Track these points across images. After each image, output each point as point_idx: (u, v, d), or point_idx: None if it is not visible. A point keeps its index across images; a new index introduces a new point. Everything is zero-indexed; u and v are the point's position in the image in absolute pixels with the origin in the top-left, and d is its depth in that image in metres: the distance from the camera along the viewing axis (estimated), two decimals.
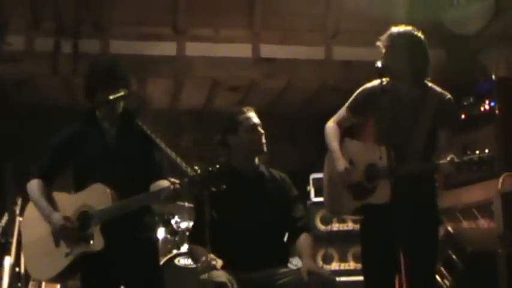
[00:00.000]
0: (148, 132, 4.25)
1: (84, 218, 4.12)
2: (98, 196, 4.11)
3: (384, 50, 4.45)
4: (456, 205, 6.90)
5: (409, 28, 4.51)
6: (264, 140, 4.65)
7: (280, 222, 4.61)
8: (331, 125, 4.71)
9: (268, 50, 8.29)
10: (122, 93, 4.17)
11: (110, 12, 7.98)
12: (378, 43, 4.50)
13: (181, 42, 8.14)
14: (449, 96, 4.46)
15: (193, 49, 8.15)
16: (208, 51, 8.15)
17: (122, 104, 4.29)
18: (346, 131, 4.73)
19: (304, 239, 4.56)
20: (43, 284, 7.09)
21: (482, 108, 6.73)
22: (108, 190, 4.09)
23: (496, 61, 7.38)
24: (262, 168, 4.72)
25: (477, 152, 4.08)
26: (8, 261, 7.00)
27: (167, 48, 8.10)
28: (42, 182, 4.28)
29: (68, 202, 4.23)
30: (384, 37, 4.50)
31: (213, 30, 8.20)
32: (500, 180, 6.02)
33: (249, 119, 4.67)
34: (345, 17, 8.24)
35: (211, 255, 4.22)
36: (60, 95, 8.82)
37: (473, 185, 6.63)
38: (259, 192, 4.60)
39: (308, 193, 7.78)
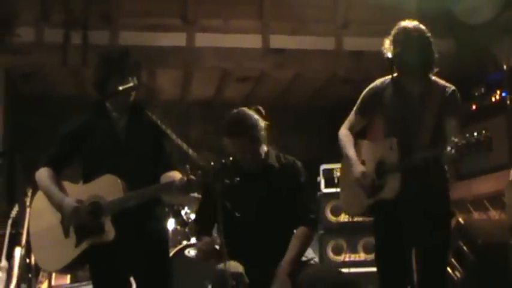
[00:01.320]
0: (159, 123, 4.23)
1: (95, 208, 4.09)
2: (108, 187, 4.09)
3: (392, 44, 4.45)
4: (467, 196, 6.89)
5: (416, 22, 4.48)
6: (248, 160, 4.43)
7: (285, 215, 4.47)
8: (343, 131, 4.75)
9: (278, 41, 8.27)
10: (131, 84, 4.15)
11: (119, 3, 7.98)
12: (386, 39, 4.48)
13: (191, 33, 8.13)
14: (453, 88, 4.46)
15: (202, 40, 8.15)
16: (218, 41, 8.14)
17: (132, 95, 4.27)
18: (358, 132, 4.77)
19: (297, 235, 4.40)
20: (53, 274, 7.11)
21: (493, 99, 6.71)
22: (119, 181, 4.07)
23: (507, 51, 7.34)
24: (272, 160, 4.54)
25: (475, 133, 3.99)
26: (18, 252, 7.01)
27: (176, 39, 8.09)
28: (51, 170, 4.26)
29: (78, 192, 4.20)
30: (392, 31, 4.48)
31: (223, 20, 8.19)
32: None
33: (228, 145, 4.42)
34: (355, 7, 8.22)
35: (213, 239, 4.22)
36: (70, 86, 8.84)
37: (485, 176, 6.62)
38: (265, 186, 4.46)
39: (318, 184, 7.77)
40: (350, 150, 4.64)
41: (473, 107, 6.96)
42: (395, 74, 4.49)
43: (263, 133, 4.47)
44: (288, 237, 4.42)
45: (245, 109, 4.50)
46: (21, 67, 8.07)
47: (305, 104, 9.65)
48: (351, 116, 4.76)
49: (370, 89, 4.67)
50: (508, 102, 6.47)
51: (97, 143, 4.22)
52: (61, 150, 4.30)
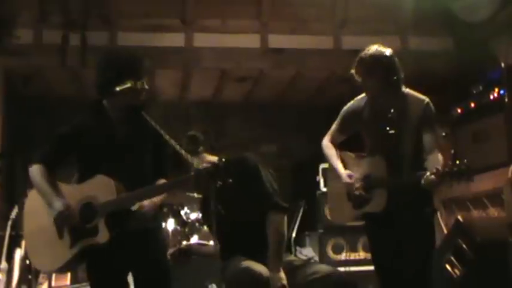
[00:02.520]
0: (156, 125, 4.22)
1: (88, 209, 4.05)
2: (102, 188, 4.05)
3: (355, 73, 4.68)
4: (466, 194, 6.88)
5: (376, 47, 4.67)
6: None
7: (250, 208, 4.49)
8: (326, 143, 4.99)
9: (277, 40, 8.28)
10: (128, 85, 4.15)
11: (117, 4, 7.98)
12: (352, 70, 4.70)
13: (189, 33, 8.14)
14: (427, 100, 4.66)
15: (201, 40, 8.15)
16: (217, 42, 8.15)
17: (131, 96, 4.24)
18: (346, 143, 5.02)
19: (268, 223, 4.43)
20: (53, 275, 7.12)
21: (491, 97, 6.71)
22: (112, 182, 4.04)
23: (505, 49, 7.34)
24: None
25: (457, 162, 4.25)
26: (18, 253, 7.02)
27: (175, 40, 8.10)
28: (43, 168, 4.20)
29: (71, 193, 4.16)
30: (355, 63, 4.69)
31: (221, 20, 8.19)
32: (510, 168, 6.00)
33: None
34: (353, 6, 8.22)
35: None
36: (69, 87, 8.84)
37: (483, 174, 6.60)
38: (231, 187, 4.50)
39: (317, 183, 7.77)
40: (336, 162, 4.89)
41: (472, 104, 6.97)
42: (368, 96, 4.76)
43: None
44: (262, 226, 4.46)
45: None
46: (20, 69, 8.07)
47: (304, 103, 9.66)
48: (332, 131, 5.00)
49: (348, 108, 4.92)
50: (506, 99, 6.47)
51: (94, 143, 4.19)
52: (56, 150, 4.24)
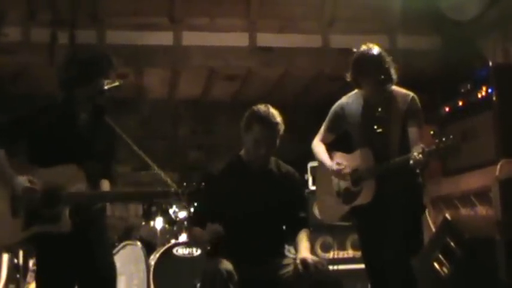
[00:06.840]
0: (117, 130, 4.20)
1: (52, 195, 3.95)
2: (71, 176, 3.97)
3: (350, 69, 4.79)
4: (454, 192, 6.91)
5: (370, 46, 4.78)
6: (263, 154, 4.52)
7: (280, 217, 4.59)
8: (316, 142, 5.11)
9: (265, 39, 8.28)
10: (117, 84, 4.15)
11: (106, 3, 7.95)
12: (345, 71, 4.81)
13: (178, 31, 8.12)
14: (412, 95, 4.78)
15: (189, 38, 8.13)
16: (205, 40, 8.13)
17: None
18: (337, 143, 5.13)
19: (302, 234, 4.55)
20: None
21: (479, 95, 6.73)
22: (82, 173, 3.98)
23: (493, 47, 7.38)
24: (272, 165, 4.65)
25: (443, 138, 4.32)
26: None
27: (164, 38, 8.08)
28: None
29: (35, 175, 4.00)
30: (348, 64, 4.79)
31: (210, 19, 8.18)
32: (498, 167, 6.03)
33: (257, 132, 4.52)
34: (342, 5, 8.23)
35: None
36: (57, 86, 8.79)
37: (471, 172, 6.63)
38: (263, 188, 4.55)
39: (306, 181, 7.78)
40: (324, 156, 5.00)
41: (460, 103, 6.99)
42: (358, 91, 4.88)
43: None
44: (278, 239, 4.62)
45: None
46: (8, 67, 8.04)
47: (292, 102, 9.65)
48: (322, 131, 5.11)
49: (336, 106, 5.03)
50: (494, 98, 6.48)
51: (55, 131, 4.15)
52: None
